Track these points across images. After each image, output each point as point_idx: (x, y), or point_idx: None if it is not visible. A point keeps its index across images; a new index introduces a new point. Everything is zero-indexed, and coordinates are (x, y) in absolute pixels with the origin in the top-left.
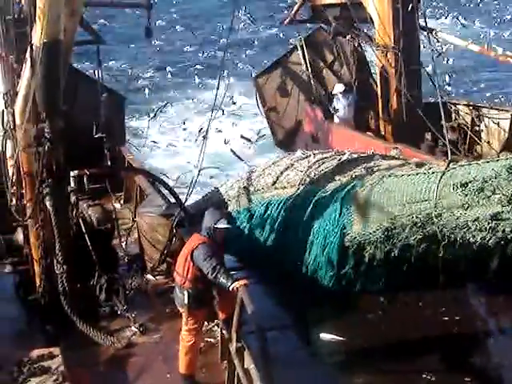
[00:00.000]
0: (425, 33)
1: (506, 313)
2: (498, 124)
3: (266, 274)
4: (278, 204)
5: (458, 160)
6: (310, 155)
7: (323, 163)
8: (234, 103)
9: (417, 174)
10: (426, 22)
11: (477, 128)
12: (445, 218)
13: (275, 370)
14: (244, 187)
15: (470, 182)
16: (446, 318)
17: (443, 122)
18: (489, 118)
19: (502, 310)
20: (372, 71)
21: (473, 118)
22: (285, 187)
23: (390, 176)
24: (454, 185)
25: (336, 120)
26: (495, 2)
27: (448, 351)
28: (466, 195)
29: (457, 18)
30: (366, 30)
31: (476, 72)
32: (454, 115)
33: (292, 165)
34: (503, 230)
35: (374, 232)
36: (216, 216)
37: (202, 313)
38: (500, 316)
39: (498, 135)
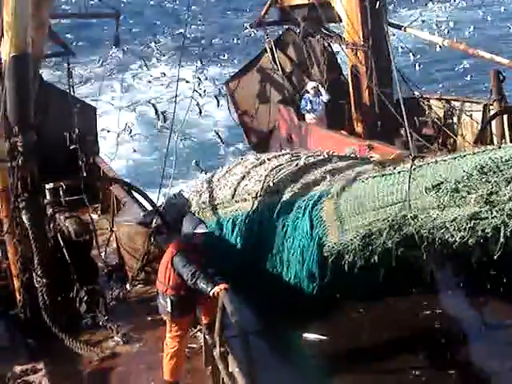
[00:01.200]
0: (394, 30)
1: (488, 307)
2: (470, 116)
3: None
4: (244, 219)
5: (423, 156)
6: (264, 161)
7: (280, 170)
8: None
9: (382, 176)
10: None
11: (450, 121)
12: (421, 219)
13: (260, 373)
14: (203, 202)
15: (442, 183)
16: (428, 312)
17: (404, 117)
18: (461, 110)
19: (485, 304)
20: (343, 70)
21: (445, 112)
22: (245, 199)
23: (354, 180)
24: (425, 187)
25: (308, 120)
26: None
27: (431, 346)
28: (440, 197)
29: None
30: (335, 30)
31: (446, 65)
32: (426, 110)
33: (248, 173)
34: (483, 230)
35: (352, 240)
36: (194, 221)
37: (185, 319)
38: (483, 310)
39: (471, 128)
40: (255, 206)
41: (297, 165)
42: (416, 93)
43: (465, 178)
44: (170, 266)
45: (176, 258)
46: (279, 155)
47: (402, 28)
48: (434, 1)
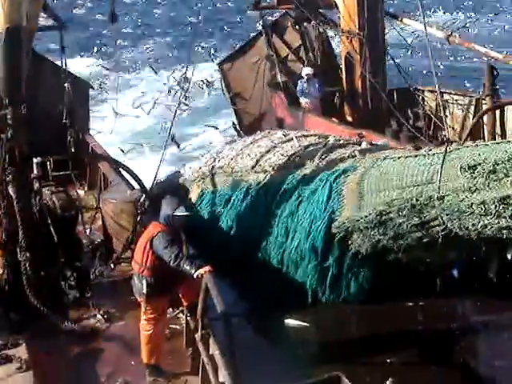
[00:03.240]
0: (391, 19)
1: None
2: (462, 110)
3: (228, 262)
4: (259, 188)
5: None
6: (292, 138)
7: (307, 148)
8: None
9: (416, 156)
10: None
11: (442, 114)
12: (447, 201)
13: (240, 356)
14: (220, 167)
15: (479, 164)
16: (411, 304)
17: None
18: (453, 103)
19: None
20: (337, 57)
21: (437, 104)
22: (266, 171)
23: (385, 159)
24: (461, 167)
25: (302, 104)
26: None
27: (416, 338)
28: (475, 178)
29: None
30: (331, 16)
31: (441, 58)
32: (419, 101)
33: (274, 147)
34: (510, 215)
35: (366, 216)
36: (173, 204)
37: (161, 301)
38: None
39: (462, 121)
40: (274, 177)
41: (325, 144)
42: (409, 84)
43: (505, 159)
44: (149, 247)
45: (156, 240)
46: (308, 134)
47: (398, 18)
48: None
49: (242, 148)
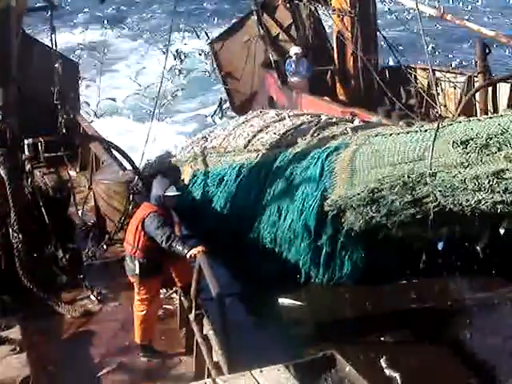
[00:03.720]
0: None
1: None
2: (454, 87)
3: (222, 242)
4: (252, 167)
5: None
6: (284, 117)
7: (300, 126)
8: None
9: (408, 133)
10: None
11: (434, 92)
12: (439, 178)
13: (234, 336)
14: (212, 147)
15: (472, 139)
16: (403, 282)
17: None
18: (445, 81)
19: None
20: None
21: (429, 82)
22: (258, 150)
23: (376, 135)
24: (453, 142)
25: (290, 83)
26: None
27: (409, 316)
28: (468, 153)
29: None
30: None
31: (433, 35)
32: (411, 79)
33: (267, 127)
34: (504, 189)
35: (359, 194)
36: (164, 184)
37: (154, 282)
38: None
39: (454, 99)
40: (266, 156)
41: (318, 122)
42: (400, 62)
43: (499, 133)
44: (141, 228)
45: (148, 221)
46: (301, 114)
47: None
48: None
49: (234, 128)
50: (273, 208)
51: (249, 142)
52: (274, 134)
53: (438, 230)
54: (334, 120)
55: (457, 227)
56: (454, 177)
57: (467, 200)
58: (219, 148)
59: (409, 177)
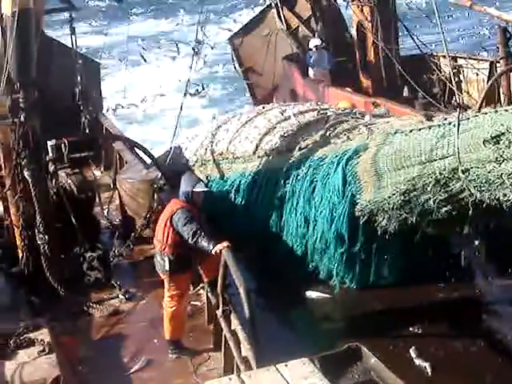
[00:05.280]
0: None
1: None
2: (476, 74)
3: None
4: (268, 176)
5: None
6: (289, 116)
7: (308, 125)
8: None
9: (430, 128)
10: None
11: (456, 79)
12: (473, 173)
13: (262, 331)
14: (219, 153)
15: (503, 133)
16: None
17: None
18: (468, 68)
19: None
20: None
21: (451, 70)
22: (269, 155)
23: (395, 133)
24: (483, 138)
25: (311, 75)
26: None
27: (437, 309)
28: (500, 149)
29: None
30: None
31: (453, 22)
32: (433, 67)
33: (273, 128)
34: None
35: (389, 198)
36: (193, 180)
37: (184, 278)
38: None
39: (477, 85)
40: (280, 162)
41: (326, 120)
42: (422, 50)
43: None
44: (169, 224)
45: (176, 217)
46: (305, 110)
47: None
48: None
49: (237, 129)
50: (299, 219)
51: (257, 146)
52: (282, 135)
53: (475, 225)
54: (343, 116)
55: (493, 223)
56: (489, 172)
57: (504, 195)
58: (227, 154)
59: (441, 173)
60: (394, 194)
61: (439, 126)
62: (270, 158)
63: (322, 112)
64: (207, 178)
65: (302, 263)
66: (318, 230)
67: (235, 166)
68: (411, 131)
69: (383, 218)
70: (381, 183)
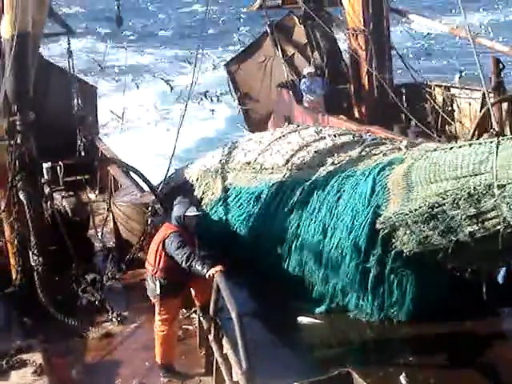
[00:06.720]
0: (396, 15)
1: None
2: (469, 104)
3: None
4: (293, 186)
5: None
6: (325, 137)
7: (343, 146)
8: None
9: (470, 146)
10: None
11: (449, 108)
12: (509, 189)
13: (254, 355)
14: (247, 162)
15: None
16: None
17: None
18: (461, 98)
19: None
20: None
21: (444, 99)
22: (299, 168)
23: (435, 150)
24: None
25: (306, 101)
26: None
27: (429, 337)
28: None
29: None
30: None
31: (447, 52)
32: (426, 96)
33: (307, 145)
34: None
35: (416, 210)
36: (185, 204)
37: (174, 302)
38: None
39: (469, 115)
40: (309, 174)
41: (362, 142)
42: (415, 79)
43: None
44: (161, 248)
45: (168, 241)
46: (341, 133)
47: (404, 14)
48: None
49: (269, 143)
50: (317, 226)
51: (287, 160)
52: (316, 152)
53: (496, 252)
54: (379, 140)
55: None
56: None
57: None
58: (254, 164)
59: (475, 188)
60: (421, 207)
61: (480, 144)
62: (300, 171)
63: (357, 135)
64: (227, 187)
65: (315, 275)
66: (335, 238)
67: (260, 176)
68: (451, 148)
69: (404, 233)
70: (410, 195)
